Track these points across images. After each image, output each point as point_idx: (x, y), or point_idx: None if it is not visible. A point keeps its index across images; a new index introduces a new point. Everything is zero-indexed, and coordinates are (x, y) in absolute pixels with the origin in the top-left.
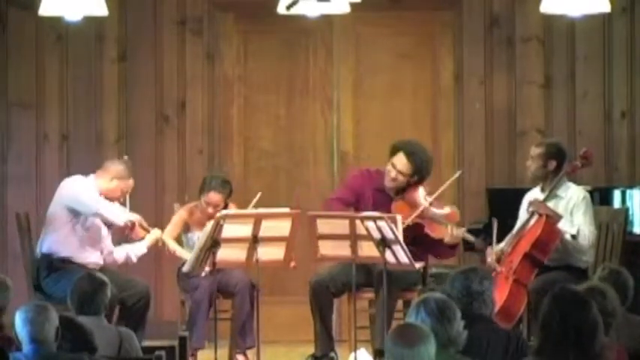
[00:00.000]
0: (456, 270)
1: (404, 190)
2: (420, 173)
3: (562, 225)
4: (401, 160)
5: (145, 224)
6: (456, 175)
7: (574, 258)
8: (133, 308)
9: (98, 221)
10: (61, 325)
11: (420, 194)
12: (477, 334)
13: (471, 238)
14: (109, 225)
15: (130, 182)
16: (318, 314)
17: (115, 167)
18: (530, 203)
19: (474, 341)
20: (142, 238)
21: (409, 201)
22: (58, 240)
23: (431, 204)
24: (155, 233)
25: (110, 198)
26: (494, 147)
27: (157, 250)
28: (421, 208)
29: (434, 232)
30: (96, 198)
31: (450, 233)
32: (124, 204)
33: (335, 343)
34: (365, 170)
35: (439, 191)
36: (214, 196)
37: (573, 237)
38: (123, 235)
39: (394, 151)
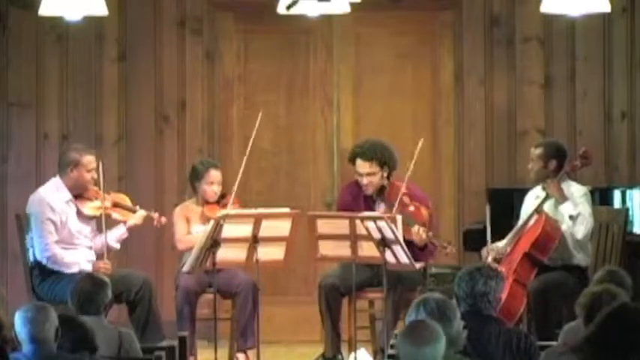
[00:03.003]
0: (463, 270)
1: (383, 188)
2: (385, 164)
3: (565, 207)
4: (361, 165)
5: (128, 205)
6: (419, 144)
7: (573, 256)
8: (136, 299)
9: (72, 220)
10: (62, 324)
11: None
12: (487, 335)
13: (436, 242)
14: (88, 218)
15: (87, 158)
16: (328, 315)
17: (66, 158)
18: (544, 185)
19: (484, 341)
20: (124, 221)
21: (388, 202)
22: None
23: (405, 204)
24: (140, 214)
25: (82, 185)
26: (494, 147)
27: (158, 250)
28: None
29: (405, 233)
30: (45, 244)
31: (417, 233)
32: (97, 184)
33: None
34: (348, 184)
35: (410, 168)
36: (215, 173)
37: (571, 218)
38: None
39: (352, 162)
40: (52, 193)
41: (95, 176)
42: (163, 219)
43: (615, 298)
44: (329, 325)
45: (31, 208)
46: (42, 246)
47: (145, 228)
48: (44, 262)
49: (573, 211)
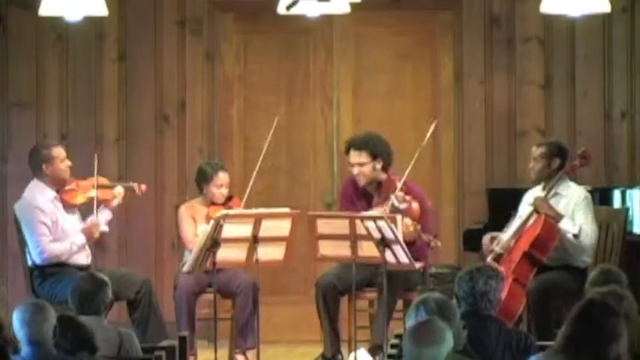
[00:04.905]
0: (463, 270)
1: (380, 184)
2: (378, 154)
3: (564, 224)
4: (352, 155)
5: (108, 183)
6: (432, 126)
7: (573, 258)
8: (137, 299)
9: (62, 218)
10: (61, 324)
11: (396, 190)
12: (487, 334)
13: (424, 236)
14: (76, 208)
15: (57, 150)
16: (326, 314)
17: (37, 158)
18: (534, 200)
19: (484, 341)
20: (109, 201)
21: (383, 195)
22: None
23: (397, 197)
24: (119, 192)
25: (61, 177)
26: (494, 147)
27: (158, 250)
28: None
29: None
30: (41, 246)
31: (405, 225)
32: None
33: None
34: (348, 179)
35: (420, 149)
36: (224, 175)
37: (575, 236)
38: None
39: (347, 153)
40: (38, 196)
41: (69, 164)
42: (143, 186)
43: (622, 299)
44: (327, 324)
45: (21, 214)
46: (37, 249)
47: (145, 227)
48: (42, 262)
49: (573, 227)
